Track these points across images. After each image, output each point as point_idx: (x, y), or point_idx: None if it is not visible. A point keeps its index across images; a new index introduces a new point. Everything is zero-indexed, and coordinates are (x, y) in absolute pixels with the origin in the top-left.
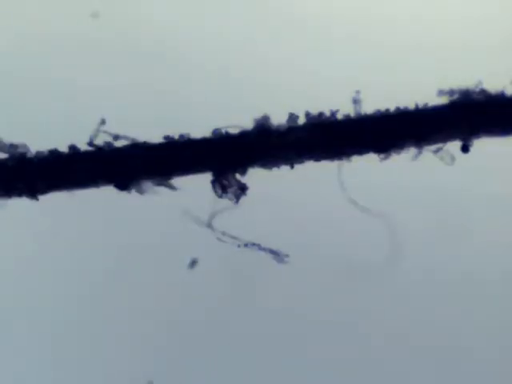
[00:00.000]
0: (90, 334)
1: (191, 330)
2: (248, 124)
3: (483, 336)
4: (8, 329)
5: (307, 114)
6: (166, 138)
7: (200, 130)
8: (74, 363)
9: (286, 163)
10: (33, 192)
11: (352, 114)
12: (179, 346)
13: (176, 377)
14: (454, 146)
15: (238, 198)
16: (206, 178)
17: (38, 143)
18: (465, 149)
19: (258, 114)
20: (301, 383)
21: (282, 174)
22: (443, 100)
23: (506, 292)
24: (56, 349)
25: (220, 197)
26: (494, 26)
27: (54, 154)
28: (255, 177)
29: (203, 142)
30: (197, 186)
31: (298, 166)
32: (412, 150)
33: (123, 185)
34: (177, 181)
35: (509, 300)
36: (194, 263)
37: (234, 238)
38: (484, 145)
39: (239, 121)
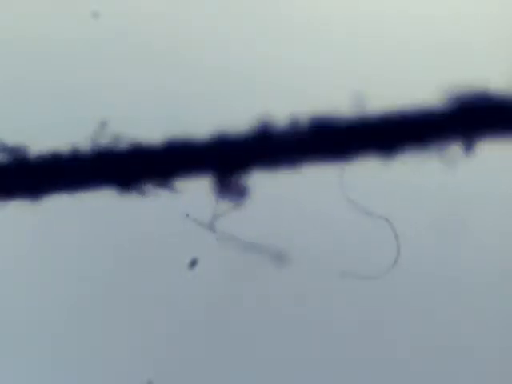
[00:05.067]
0: (90, 334)
1: (191, 330)
2: (249, 126)
3: (483, 336)
4: (8, 329)
5: (308, 116)
6: (167, 140)
7: (201, 132)
8: (73, 363)
9: (287, 165)
10: (34, 194)
11: (353, 117)
12: (179, 346)
13: (176, 377)
14: (455, 147)
15: (239, 199)
16: (206, 180)
17: (39, 145)
18: (465, 151)
19: (260, 117)
20: (300, 383)
21: (283, 176)
22: (445, 102)
23: (506, 293)
24: (56, 349)
25: (221, 199)
26: (495, 26)
27: (55, 156)
28: (256, 179)
29: (204, 144)
30: (198, 187)
31: (298, 168)
32: (414, 152)
33: (124, 186)
34: (178, 183)
35: (509, 301)
36: (193, 264)
37: (234, 239)
38: (486, 146)
39: (241, 123)
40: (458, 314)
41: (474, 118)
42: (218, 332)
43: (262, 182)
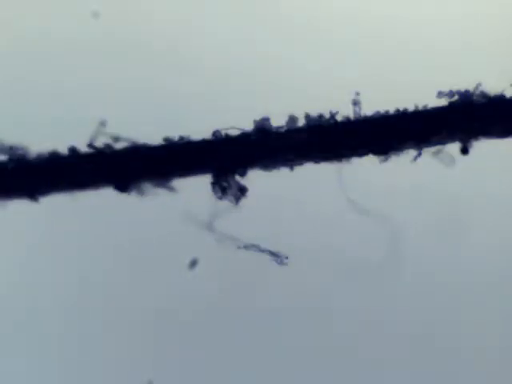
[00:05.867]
0: (90, 333)
1: (191, 330)
2: (248, 125)
3: (484, 336)
4: (8, 329)
5: (307, 116)
6: (166, 139)
7: (200, 132)
8: (73, 363)
9: (285, 165)
10: (33, 194)
11: (352, 116)
12: (179, 346)
13: (176, 377)
14: (454, 147)
15: (237, 199)
16: (205, 180)
17: (38, 145)
18: (464, 151)
19: (258, 116)
20: (300, 383)
21: (282, 175)
22: (443, 101)
23: (506, 293)
24: (56, 349)
25: (220, 198)
26: (494, 26)
27: (54, 156)
28: (255, 178)
29: (203, 144)
30: (196, 187)
31: (297, 168)
32: (411, 152)
33: (123, 186)
34: (176, 182)
35: (508, 301)
36: (193, 264)
37: (233, 239)
38: (483, 146)
39: (239, 122)
40: (458, 314)
41: (473, 118)
42: (218, 332)
43: (262, 182)
